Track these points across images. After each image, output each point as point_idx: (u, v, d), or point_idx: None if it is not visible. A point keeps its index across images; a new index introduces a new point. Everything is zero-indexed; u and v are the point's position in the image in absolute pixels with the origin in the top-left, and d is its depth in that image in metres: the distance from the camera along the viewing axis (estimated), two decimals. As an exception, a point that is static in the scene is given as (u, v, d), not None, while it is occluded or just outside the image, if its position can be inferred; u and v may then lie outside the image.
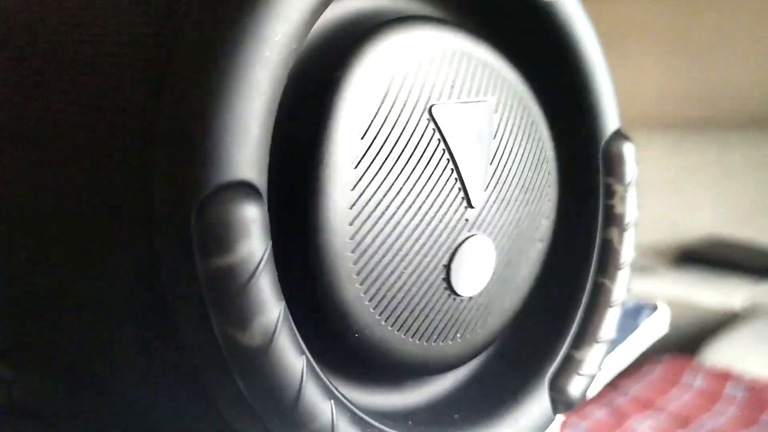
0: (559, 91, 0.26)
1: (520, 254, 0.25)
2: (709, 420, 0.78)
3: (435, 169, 0.21)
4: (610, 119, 0.27)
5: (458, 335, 0.23)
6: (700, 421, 0.78)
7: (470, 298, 0.23)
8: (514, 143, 0.24)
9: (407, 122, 0.20)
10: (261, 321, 0.17)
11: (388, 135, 0.20)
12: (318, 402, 0.18)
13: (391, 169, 0.20)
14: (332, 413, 0.18)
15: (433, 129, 0.21)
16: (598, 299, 0.26)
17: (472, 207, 0.22)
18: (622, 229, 0.26)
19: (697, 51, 1.09)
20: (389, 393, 0.23)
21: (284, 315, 0.17)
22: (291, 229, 0.19)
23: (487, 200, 0.23)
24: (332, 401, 0.18)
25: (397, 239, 0.20)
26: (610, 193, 0.27)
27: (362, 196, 0.20)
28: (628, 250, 0.27)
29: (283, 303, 0.17)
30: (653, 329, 0.44)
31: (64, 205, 0.19)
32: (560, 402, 0.25)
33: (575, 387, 0.25)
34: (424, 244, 0.21)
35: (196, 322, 0.17)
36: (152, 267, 0.17)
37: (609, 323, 0.26)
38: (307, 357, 0.18)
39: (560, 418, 0.26)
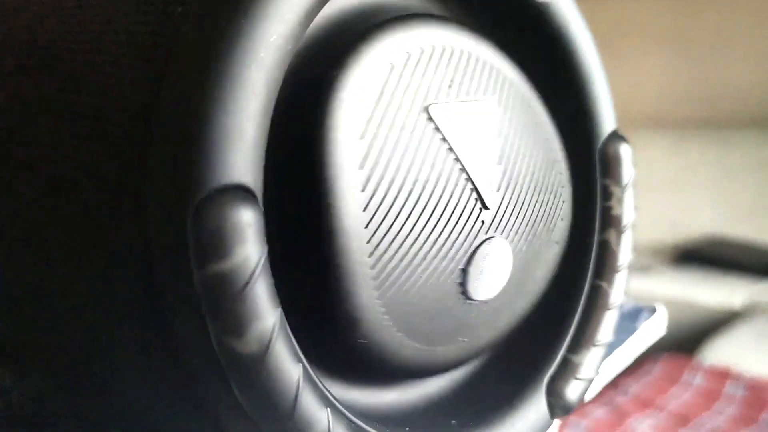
0: (555, 92, 0.26)
1: (537, 257, 0.24)
2: (708, 419, 0.78)
3: (443, 169, 0.21)
4: (607, 120, 0.26)
5: (463, 338, 0.23)
6: (699, 420, 0.78)
7: (483, 302, 0.22)
8: (520, 143, 0.23)
9: (405, 122, 0.20)
10: (257, 328, 0.16)
11: (387, 135, 0.20)
12: (314, 410, 0.18)
13: (398, 169, 0.20)
14: (329, 421, 0.18)
15: (434, 129, 0.21)
16: (596, 302, 0.26)
17: (487, 208, 0.22)
18: (619, 231, 0.26)
19: (698, 51, 1.09)
20: (385, 390, 0.23)
21: (281, 322, 0.17)
22: (296, 233, 0.19)
23: (501, 201, 0.22)
24: (329, 409, 0.18)
25: (414, 242, 0.20)
26: (607, 195, 0.26)
27: (374, 198, 0.19)
28: (625, 252, 0.26)
29: (279, 310, 0.17)
30: (651, 331, 0.44)
31: (62, 206, 0.19)
32: (557, 406, 0.25)
33: (573, 391, 0.25)
34: (441, 247, 0.21)
35: (192, 328, 0.17)
36: (150, 271, 0.17)
37: (606, 326, 0.26)
38: (303, 365, 0.18)
39: (557, 422, 0.26)
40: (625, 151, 0.26)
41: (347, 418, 0.19)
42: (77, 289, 0.19)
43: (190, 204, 0.16)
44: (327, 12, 0.20)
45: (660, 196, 1.16)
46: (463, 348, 0.23)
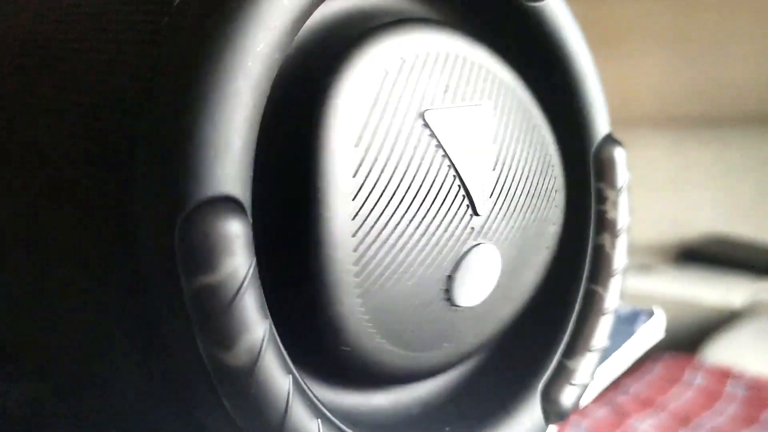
0: (549, 96, 0.25)
1: (525, 262, 0.24)
2: (709, 418, 0.78)
3: (437, 176, 0.21)
4: (601, 124, 0.26)
5: (448, 344, 0.23)
6: (700, 420, 0.78)
7: (469, 308, 0.22)
8: (516, 148, 0.23)
9: (400, 129, 0.20)
10: (246, 340, 0.16)
11: (383, 143, 0.19)
12: (305, 421, 0.18)
13: (391, 176, 0.20)
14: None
15: (429, 135, 0.20)
16: (591, 307, 0.26)
17: (477, 215, 0.22)
18: (614, 235, 0.26)
19: (697, 50, 1.09)
20: (377, 394, 0.23)
21: (270, 333, 0.17)
22: (284, 242, 0.19)
23: (493, 207, 0.22)
24: (319, 420, 0.18)
25: (401, 250, 0.20)
26: (601, 199, 0.26)
27: (364, 206, 0.19)
28: (620, 257, 0.26)
29: (268, 321, 0.17)
30: (650, 335, 0.44)
31: (62, 206, 0.19)
32: (552, 412, 0.25)
33: (567, 397, 0.25)
34: (428, 255, 0.21)
35: (181, 339, 0.16)
36: (138, 283, 0.17)
37: (601, 331, 0.26)
38: (294, 375, 0.18)
39: (552, 428, 0.26)
40: (619, 154, 0.26)
41: (338, 427, 0.19)
42: (74, 292, 0.19)
43: (178, 216, 0.16)
44: (318, 16, 0.20)
45: (660, 195, 1.16)
46: (449, 353, 0.23)
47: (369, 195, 0.19)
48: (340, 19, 0.21)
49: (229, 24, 0.17)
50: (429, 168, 0.20)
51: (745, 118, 1.11)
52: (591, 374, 0.26)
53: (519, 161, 0.23)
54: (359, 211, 0.19)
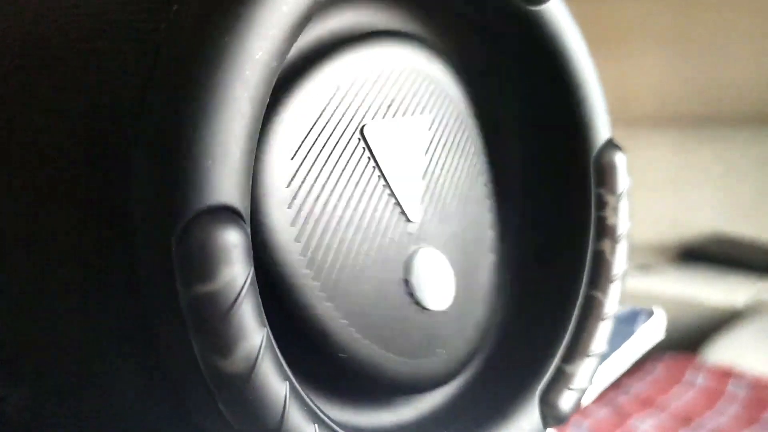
0: (549, 100, 0.26)
1: (475, 266, 0.25)
2: (711, 418, 0.78)
3: (367, 186, 0.22)
4: (602, 129, 0.26)
5: (441, 350, 0.23)
6: (702, 420, 0.78)
7: (442, 312, 0.23)
8: (446, 158, 0.24)
9: (337, 143, 0.21)
10: (244, 347, 0.16)
11: (318, 155, 0.20)
12: (302, 427, 0.18)
13: (323, 187, 0.20)
14: None
15: (363, 148, 0.22)
16: (590, 312, 0.26)
17: (410, 221, 0.23)
18: (614, 241, 0.26)
19: (698, 49, 1.09)
20: (379, 411, 0.23)
21: (267, 341, 0.17)
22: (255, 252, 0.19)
23: (425, 213, 0.23)
24: (316, 425, 0.18)
25: (348, 254, 0.21)
26: (601, 205, 0.26)
27: (300, 214, 0.20)
28: (620, 262, 0.26)
29: (266, 329, 0.17)
30: (649, 335, 0.44)
31: (62, 207, 0.19)
32: (550, 416, 0.25)
33: (566, 401, 0.25)
34: (376, 258, 0.22)
35: (178, 347, 0.17)
36: (137, 286, 0.17)
37: (600, 337, 0.26)
38: (290, 382, 0.18)
39: (551, 430, 0.26)
40: (620, 159, 0.26)
41: None
42: (74, 292, 0.19)
43: (176, 225, 0.16)
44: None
45: (661, 194, 1.16)
46: (446, 360, 0.23)
47: (303, 204, 0.20)
48: (316, 34, 0.22)
49: (227, 31, 0.17)
50: (359, 179, 0.21)
51: (746, 117, 1.11)
52: (590, 379, 0.26)
53: (448, 170, 0.24)
54: (296, 218, 0.20)
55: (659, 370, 0.89)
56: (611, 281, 0.26)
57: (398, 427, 0.23)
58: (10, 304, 0.22)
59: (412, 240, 0.23)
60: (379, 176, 0.22)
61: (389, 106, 0.22)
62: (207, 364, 0.16)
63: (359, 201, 0.21)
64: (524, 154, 0.27)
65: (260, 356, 0.17)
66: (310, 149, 0.20)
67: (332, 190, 0.21)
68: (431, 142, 0.24)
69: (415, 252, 0.23)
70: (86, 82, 0.19)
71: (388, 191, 0.22)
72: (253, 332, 0.17)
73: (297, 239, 0.20)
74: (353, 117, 0.21)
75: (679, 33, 1.08)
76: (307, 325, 0.20)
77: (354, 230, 0.21)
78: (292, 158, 0.20)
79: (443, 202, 0.24)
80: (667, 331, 0.52)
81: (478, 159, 0.26)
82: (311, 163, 0.20)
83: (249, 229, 0.17)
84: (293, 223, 0.20)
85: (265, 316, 0.17)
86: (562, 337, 0.26)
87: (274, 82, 0.18)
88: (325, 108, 0.21)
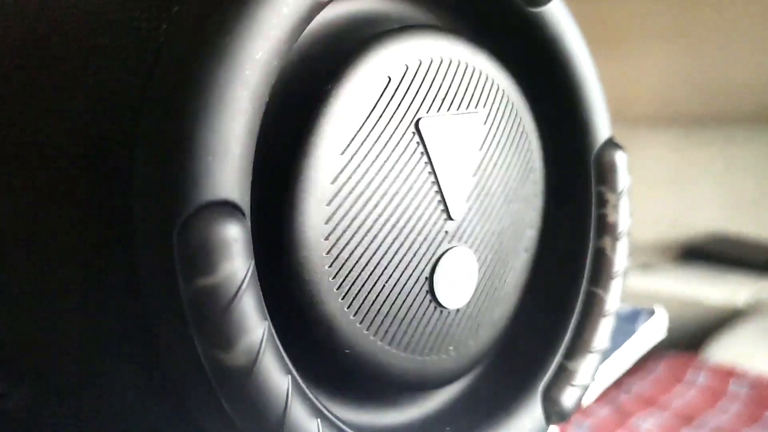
0: (550, 100, 0.26)
1: (505, 265, 0.24)
2: (712, 417, 0.78)
3: (415, 182, 0.21)
4: (602, 128, 0.26)
5: (451, 348, 0.23)
6: (703, 419, 0.78)
7: (458, 310, 0.23)
8: (500, 155, 0.24)
9: (391, 137, 0.20)
10: (245, 341, 0.17)
11: (369, 150, 0.20)
12: (304, 422, 0.18)
13: (369, 183, 0.20)
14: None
15: (417, 142, 0.21)
16: (591, 309, 0.26)
17: (451, 219, 0.22)
18: (614, 238, 0.26)
19: (700, 47, 1.08)
20: (384, 410, 0.23)
21: (268, 334, 0.17)
22: (271, 246, 0.19)
23: (468, 211, 0.23)
24: (318, 420, 0.18)
25: (374, 253, 0.20)
26: (602, 202, 0.26)
27: (338, 212, 0.19)
28: (621, 259, 0.26)
29: (267, 322, 0.17)
30: (651, 334, 0.44)
31: (62, 207, 0.19)
32: (553, 413, 0.25)
33: (568, 398, 0.25)
34: (403, 257, 0.21)
35: (178, 343, 0.17)
36: (137, 285, 0.17)
37: (602, 333, 0.26)
38: (292, 376, 0.18)
39: (553, 429, 0.26)
40: (620, 158, 0.26)
41: (338, 428, 0.19)
42: (74, 292, 0.20)
43: (177, 220, 0.16)
44: (321, 21, 0.20)
45: (662, 193, 1.16)
46: (454, 358, 0.23)
47: (344, 201, 0.20)
48: (343, 24, 0.21)
49: (228, 32, 0.17)
50: (409, 174, 0.21)
51: (747, 116, 1.11)
52: (592, 375, 0.26)
53: (501, 167, 0.24)
54: (332, 216, 0.19)
55: (660, 369, 0.89)
56: (612, 278, 0.26)
57: (402, 426, 0.23)
58: (10, 303, 0.22)
59: (446, 239, 0.22)
60: (429, 172, 0.21)
61: (443, 99, 0.22)
62: (208, 359, 0.16)
63: (403, 198, 0.21)
64: None
65: (262, 350, 0.17)
66: (362, 144, 0.20)
67: (378, 187, 0.20)
68: (486, 137, 0.23)
69: (446, 251, 0.22)
70: (86, 82, 0.19)
71: (435, 188, 0.22)
72: (254, 326, 0.17)
73: (327, 237, 0.19)
74: (406, 111, 0.21)
75: (680, 32, 1.08)
76: (315, 321, 0.20)
77: (390, 228, 0.21)
78: (342, 153, 0.19)
79: (489, 200, 0.23)
80: (668, 330, 0.52)
81: (530, 155, 0.25)
82: (361, 159, 0.20)
83: (249, 224, 0.17)
84: (328, 221, 0.19)
85: (266, 311, 0.17)
86: (564, 334, 0.26)
87: (273, 81, 0.18)
88: (378, 100, 0.20)
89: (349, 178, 0.20)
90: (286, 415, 0.18)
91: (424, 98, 0.21)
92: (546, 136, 0.26)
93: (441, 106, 0.21)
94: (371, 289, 0.20)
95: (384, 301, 0.21)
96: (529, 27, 0.25)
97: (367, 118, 0.20)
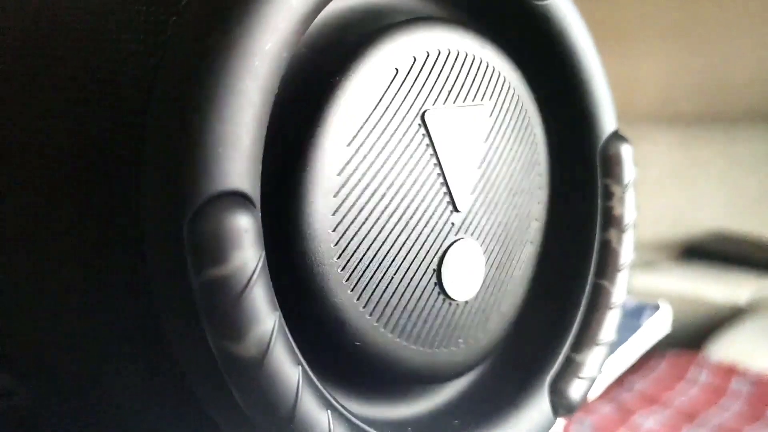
0: (556, 93, 0.26)
1: (511, 257, 0.25)
2: (714, 415, 0.78)
3: (420, 174, 0.21)
4: (608, 121, 0.26)
5: (461, 341, 0.23)
6: (705, 417, 0.78)
7: (466, 302, 0.23)
8: (505, 147, 0.24)
9: (397, 129, 0.20)
10: (256, 332, 0.17)
11: (376, 142, 0.20)
12: (315, 413, 0.18)
13: (375, 175, 0.20)
14: (329, 424, 0.18)
15: (423, 135, 0.21)
16: (598, 301, 0.26)
17: (457, 211, 0.22)
18: (620, 231, 0.26)
19: (703, 45, 1.08)
20: (393, 403, 0.23)
21: (279, 325, 0.17)
22: (281, 237, 0.19)
23: (474, 203, 0.23)
24: (329, 411, 0.18)
25: (382, 245, 0.20)
26: (608, 195, 0.26)
27: (345, 203, 0.19)
28: (627, 252, 0.27)
29: (278, 313, 0.17)
30: (656, 329, 0.44)
31: (62, 208, 0.19)
32: (561, 406, 0.25)
33: (576, 390, 0.25)
34: (410, 249, 0.21)
35: (189, 333, 0.17)
36: (145, 285, 0.17)
37: (609, 325, 0.26)
38: (303, 367, 0.18)
39: (561, 421, 0.26)
40: (626, 151, 0.27)
41: (348, 420, 0.19)
42: (75, 292, 0.20)
43: (188, 211, 0.16)
44: (330, 12, 0.20)
45: (665, 190, 1.16)
46: (464, 351, 0.23)
47: (350, 193, 0.20)
48: (352, 16, 0.21)
49: (237, 23, 0.17)
50: (414, 167, 0.21)
51: (749, 114, 1.11)
52: (599, 368, 0.26)
53: (505, 160, 0.24)
54: (339, 207, 0.19)
55: (663, 367, 0.89)
56: (618, 270, 0.26)
57: (411, 419, 0.23)
58: (11, 303, 0.22)
59: (453, 230, 0.22)
60: (435, 164, 0.21)
61: (449, 92, 0.22)
62: (219, 350, 0.16)
63: (409, 190, 0.21)
64: None
65: (273, 341, 0.17)
66: (368, 135, 0.20)
67: (384, 179, 0.20)
68: (491, 129, 0.23)
69: (453, 243, 0.22)
70: (88, 80, 0.19)
71: (441, 180, 0.22)
72: (265, 316, 0.17)
73: (334, 229, 0.19)
74: (413, 103, 0.21)
75: (683, 29, 1.08)
76: (324, 313, 0.20)
77: (396, 219, 0.21)
78: (349, 144, 0.19)
79: (494, 192, 0.23)
80: (671, 328, 0.52)
81: (536, 148, 0.25)
82: (367, 150, 0.20)
83: (259, 215, 0.17)
84: (335, 213, 0.19)
85: (276, 301, 0.17)
86: (571, 327, 0.26)
87: (282, 73, 0.18)
88: (385, 92, 0.20)
89: (356, 169, 0.20)
90: (297, 407, 0.17)
91: (431, 90, 0.21)
92: (552, 129, 0.26)
93: (447, 98, 0.22)
94: (380, 280, 0.20)
95: (393, 293, 0.21)
96: (534, 20, 0.25)
97: (374, 110, 0.20)
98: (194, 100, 0.16)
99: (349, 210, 0.20)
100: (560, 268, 0.26)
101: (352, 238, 0.20)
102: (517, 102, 0.24)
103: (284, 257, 0.19)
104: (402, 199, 0.21)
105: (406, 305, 0.21)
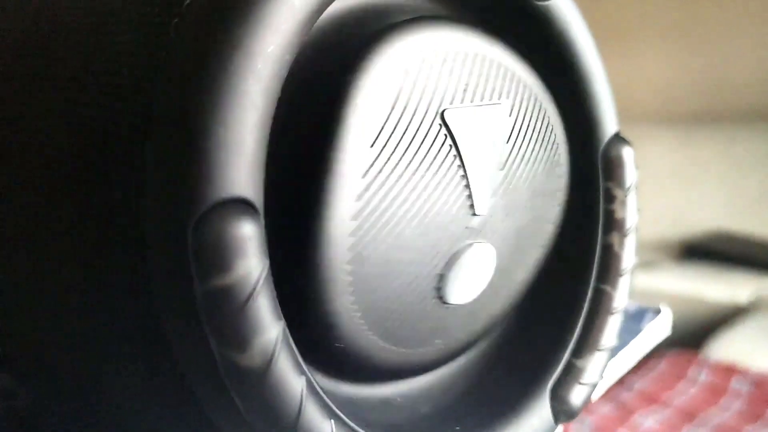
0: (557, 95, 0.25)
1: (519, 261, 0.24)
2: (714, 415, 0.78)
3: (444, 176, 0.21)
4: (609, 123, 0.26)
5: (438, 341, 0.23)
6: (705, 416, 0.78)
7: (460, 306, 0.22)
8: (527, 148, 0.23)
9: (419, 128, 0.20)
10: (260, 341, 0.16)
11: (399, 142, 0.19)
12: (318, 422, 0.18)
13: (400, 177, 0.19)
14: None
15: (445, 135, 0.20)
16: (599, 306, 0.26)
17: (476, 214, 0.22)
18: (622, 234, 0.26)
19: (702, 45, 1.08)
20: (376, 385, 0.23)
21: (283, 335, 0.17)
22: (287, 241, 0.19)
23: (493, 207, 0.22)
24: (332, 420, 0.18)
25: (394, 249, 0.20)
26: (609, 198, 0.26)
27: (367, 207, 0.19)
28: (629, 256, 0.26)
29: (282, 322, 0.17)
30: (656, 333, 0.44)
31: (63, 209, 0.19)
32: (561, 411, 0.25)
33: (576, 396, 0.25)
34: (422, 254, 0.21)
35: (192, 343, 0.16)
36: (146, 286, 0.17)
37: (610, 331, 0.26)
38: (307, 377, 0.18)
39: (561, 427, 0.26)
40: (627, 153, 0.26)
41: (351, 428, 0.19)
42: (75, 292, 0.19)
43: (191, 218, 0.16)
44: (332, 13, 0.20)
45: (665, 190, 1.16)
46: (439, 350, 0.23)
47: (374, 196, 0.19)
48: (356, 16, 0.21)
49: (239, 25, 0.17)
50: (438, 168, 0.20)
51: (750, 114, 1.11)
52: (600, 373, 0.26)
53: (527, 161, 0.23)
54: (360, 211, 0.19)
55: (663, 366, 0.89)
56: (620, 275, 0.26)
57: (410, 423, 0.23)
58: (12, 303, 0.22)
59: (468, 234, 0.22)
60: (459, 166, 0.21)
61: (465, 91, 0.21)
62: (223, 359, 0.16)
63: (432, 193, 0.20)
64: None
65: (277, 350, 0.17)
66: (390, 136, 0.19)
67: (407, 181, 0.20)
68: (512, 129, 0.22)
69: (466, 247, 0.22)
70: (89, 82, 0.19)
71: (464, 182, 0.21)
72: (269, 326, 0.17)
73: (352, 233, 0.19)
74: (431, 102, 0.20)
75: (683, 29, 1.08)
76: (318, 317, 0.19)
77: (415, 224, 0.20)
78: (372, 146, 0.19)
79: (514, 195, 0.23)
80: (671, 328, 0.52)
81: (557, 149, 0.24)
82: (391, 151, 0.19)
83: (263, 221, 0.17)
84: (355, 217, 0.19)
85: (280, 309, 0.17)
86: (572, 332, 0.26)
87: (285, 75, 0.17)
88: (400, 90, 0.19)
89: (380, 171, 0.19)
90: (300, 416, 0.17)
91: (446, 89, 0.20)
92: None
93: (464, 97, 0.21)
94: (382, 285, 0.20)
95: (391, 298, 0.20)
96: (535, 20, 0.24)
97: (392, 109, 0.19)
98: (196, 103, 0.16)
99: (370, 214, 0.19)
100: (562, 273, 0.26)
101: (367, 243, 0.19)
102: (535, 101, 0.23)
103: (293, 263, 0.19)
104: (424, 202, 0.20)
105: (400, 310, 0.21)
